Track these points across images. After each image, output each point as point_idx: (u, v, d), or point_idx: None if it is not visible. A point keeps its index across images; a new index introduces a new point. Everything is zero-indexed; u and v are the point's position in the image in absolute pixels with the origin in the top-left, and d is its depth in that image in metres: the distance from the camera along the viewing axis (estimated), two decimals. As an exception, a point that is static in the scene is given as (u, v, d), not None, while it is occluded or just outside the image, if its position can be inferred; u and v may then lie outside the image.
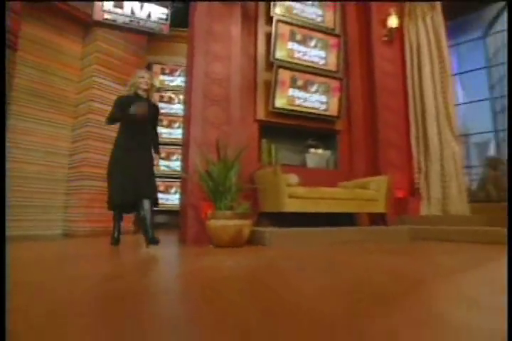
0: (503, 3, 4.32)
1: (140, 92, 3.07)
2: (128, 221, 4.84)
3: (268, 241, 3.12)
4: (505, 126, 4.30)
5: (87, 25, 4.69)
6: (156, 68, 6.44)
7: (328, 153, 4.33)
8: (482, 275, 1.73)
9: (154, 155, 3.07)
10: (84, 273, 1.75)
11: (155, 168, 3.05)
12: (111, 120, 3.03)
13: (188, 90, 3.45)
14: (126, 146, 2.95)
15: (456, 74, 4.55)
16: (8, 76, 3.30)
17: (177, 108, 6.39)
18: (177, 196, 5.74)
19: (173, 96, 6.49)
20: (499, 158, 4.34)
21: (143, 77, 3.08)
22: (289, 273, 1.76)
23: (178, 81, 6.48)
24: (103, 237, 4.08)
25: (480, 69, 4.57)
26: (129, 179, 2.87)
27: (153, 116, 3.11)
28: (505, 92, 4.27)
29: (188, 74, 3.64)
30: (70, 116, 4.64)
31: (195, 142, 3.31)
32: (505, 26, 4.11)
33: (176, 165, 5.99)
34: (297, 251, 2.69)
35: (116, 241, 3.11)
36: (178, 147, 5.60)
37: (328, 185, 3.88)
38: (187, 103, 3.60)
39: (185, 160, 3.43)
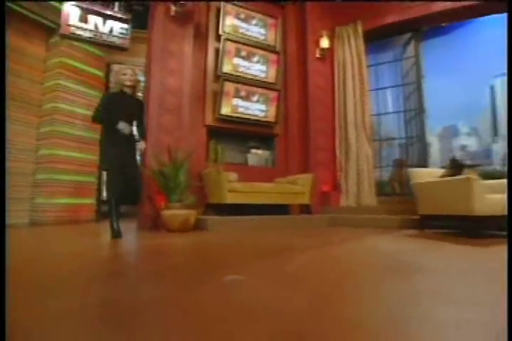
0: (410, 33, 5.30)
1: (125, 89, 3.16)
2: (90, 210, 5.46)
3: (210, 227, 3.92)
4: (412, 133, 5.34)
5: (50, 30, 5.17)
6: (115, 68, 6.94)
7: (267, 153, 5.18)
8: (345, 247, 2.64)
9: (142, 141, 3.29)
10: (70, 249, 2.48)
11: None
12: (97, 119, 3.12)
13: (146, 101, 4.12)
14: (116, 143, 3.05)
15: (373, 90, 5.53)
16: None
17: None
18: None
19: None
20: (403, 159, 5.40)
21: (125, 74, 3.16)
22: (219, 246, 2.59)
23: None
24: (67, 225, 4.72)
25: (394, 86, 5.57)
26: (127, 176, 3.05)
27: (139, 111, 3.30)
28: (413, 106, 5.29)
29: (146, 86, 4.30)
30: (36, 116, 5.12)
31: (151, 146, 4.01)
32: (413, 56, 5.05)
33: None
34: (232, 235, 3.52)
35: (117, 234, 3.01)
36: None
37: (266, 180, 4.74)
38: (145, 112, 4.27)
39: (142, 161, 4.12)
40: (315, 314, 1.00)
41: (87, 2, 4.47)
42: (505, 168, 4.88)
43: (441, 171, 3.81)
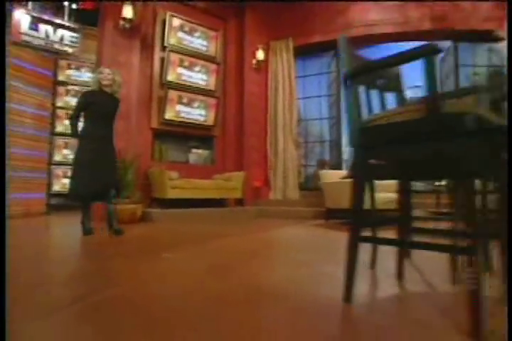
0: (333, 51, 6.27)
1: (104, 88, 3.33)
2: (40, 203, 5.93)
3: (155, 218, 4.67)
4: (333, 137, 6.38)
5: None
6: (62, 63, 7.22)
7: (206, 152, 5.96)
8: (260, 233, 3.55)
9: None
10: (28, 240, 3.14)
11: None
12: (74, 118, 3.26)
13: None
14: (92, 138, 3.20)
15: (305, 98, 6.50)
16: None
17: (84, 102, 7.32)
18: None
19: (80, 90, 7.38)
20: (325, 159, 6.46)
21: (101, 73, 3.33)
22: (161, 234, 3.38)
23: (85, 77, 7.36)
24: (19, 219, 5.21)
25: (320, 96, 6.55)
26: (95, 171, 3.15)
27: (114, 109, 3.42)
28: (335, 114, 6.31)
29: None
30: (-16, 114, 5.44)
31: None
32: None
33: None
34: (173, 225, 4.30)
35: (88, 231, 3.25)
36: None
37: (205, 177, 5.53)
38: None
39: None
40: (213, 274, 1.84)
41: (37, 10, 4.87)
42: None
43: (345, 172, 4.86)
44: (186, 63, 5.65)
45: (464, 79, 6.15)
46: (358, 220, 1.38)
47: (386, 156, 1.39)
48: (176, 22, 5.60)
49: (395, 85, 1.78)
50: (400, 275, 1.68)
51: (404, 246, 1.75)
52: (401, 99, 1.74)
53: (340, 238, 1.76)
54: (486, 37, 5.72)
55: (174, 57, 5.51)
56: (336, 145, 6.25)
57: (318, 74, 6.45)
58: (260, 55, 6.15)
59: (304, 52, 6.34)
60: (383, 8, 5.85)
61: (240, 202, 5.65)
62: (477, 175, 1.40)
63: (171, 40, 5.55)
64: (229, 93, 6.12)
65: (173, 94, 5.44)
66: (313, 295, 1.45)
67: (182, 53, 5.61)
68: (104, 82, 3.31)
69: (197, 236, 3.27)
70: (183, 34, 5.69)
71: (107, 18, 4.95)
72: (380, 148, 1.34)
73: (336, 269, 1.64)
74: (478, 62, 6.10)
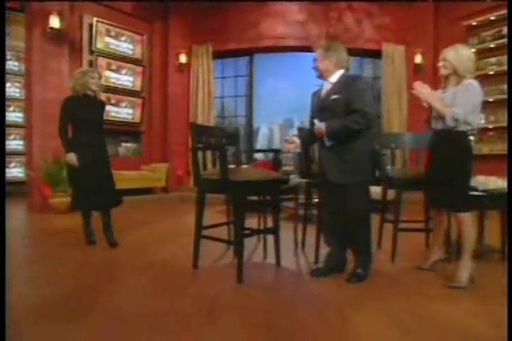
0: (248, 57, 7.40)
1: (89, 92, 3.17)
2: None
3: (88, 206, 5.70)
4: (247, 129, 7.66)
5: None
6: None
7: (134, 145, 6.98)
8: (174, 218, 4.81)
9: None
10: None
11: None
12: (63, 129, 3.14)
13: (28, 111, 5.45)
14: (86, 147, 3.11)
15: (223, 97, 7.65)
16: None
17: (10, 91, 7.76)
18: (16, 169, 7.58)
19: (7, 79, 7.80)
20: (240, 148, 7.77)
21: (93, 78, 3.15)
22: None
23: (10, 65, 7.75)
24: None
25: (239, 96, 7.71)
26: (96, 182, 3.17)
27: (102, 113, 3.39)
28: (248, 113, 7.55)
29: (28, 99, 5.60)
30: None
31: (38, 149, 5.46)
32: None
33: (15, 143, 7.66)
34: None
35: (92, 241, 3.31)
36: (15, 128, 7.39)
37: (134, 168, 6.59)
38: (28, 120, 5.62)
39: (28, 159, 5.55)
40: (127, 252, 3.06)
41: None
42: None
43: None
44: (114, 66, 6.47)
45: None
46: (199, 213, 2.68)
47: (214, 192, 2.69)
48: (103, 27, 6.33)
49: (233, 142, 3.06)
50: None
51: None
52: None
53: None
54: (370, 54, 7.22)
55: (102, 61, 6.31)
56: (247, 138, 7.58)
57: (235, 77, 7.60)
58: (183, 58, 7.10)
59: (223, 55, 7.40)
60: (289, 24, 7.03)
61: (165, 189, 6.83)
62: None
63: (99, 44, 6.30)
64: (154, 93, 7.07)
65: (102, 96, 6.27)
66: (177, 264, 2.75)
67: (109, 57, 6.41)
68: (94, 87, 3.16)
69: (122, 223, 4.43)
70: (110, 39, 6.45)
71: (34, 26, 5.58)
72: (208, 190, 2.63)
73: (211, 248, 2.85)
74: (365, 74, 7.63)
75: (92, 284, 2.32)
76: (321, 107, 2.35)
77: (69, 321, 1.74)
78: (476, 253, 2.56)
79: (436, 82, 7.23)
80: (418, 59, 7.11)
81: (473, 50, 5.85)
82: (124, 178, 6.17)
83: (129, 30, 6.67)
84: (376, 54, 7.20)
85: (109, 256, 3.08)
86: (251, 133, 7.59)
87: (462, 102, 2.14)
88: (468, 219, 2.20)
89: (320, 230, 2.66)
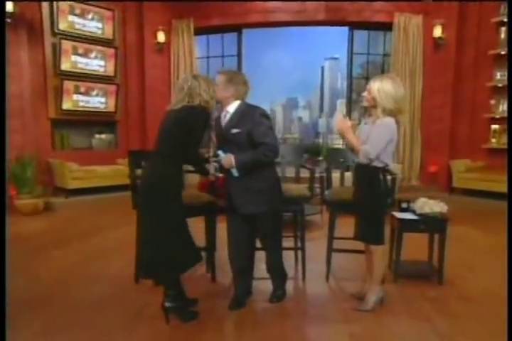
0: (237, 32, 6.85)
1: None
2: None
3: (58, 208, 5.75)
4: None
5: None
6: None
7: (110, 136, 6.85)
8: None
9: None
10: None
11: None
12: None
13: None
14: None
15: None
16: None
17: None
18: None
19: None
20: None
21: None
22: (54, 226, 4.55)
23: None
24: None
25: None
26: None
27: None
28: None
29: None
30: None
31: None
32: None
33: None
34: (74, 214, 5.40)
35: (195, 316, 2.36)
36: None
37: (110, 162, 6.51)
38: None
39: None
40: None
41: None
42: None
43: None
44: (81, 50, 6.17)
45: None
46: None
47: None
48: (65, 4, 5.95)
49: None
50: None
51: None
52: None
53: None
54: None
55: (67, 45, 6.01)
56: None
57: (222, 57, 7.16)
58: (161, 36, 6.69)
59: (207, 32, 6.93)
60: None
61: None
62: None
63: (62, 25, 5.97)
64: (130, 78, 6.79)
65: (68, 84, 6.08)
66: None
67: (75, 39, 6.10)
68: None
69: (85, 228, 4.53)
70: (75, 17, 6.09)
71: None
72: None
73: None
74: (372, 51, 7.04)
75: (41, 296, 2.68)
76: (224, 139, 2.45)
77: (11, 327, 2.03)
78: (424, 274, 2.97)
79: (458, 61, 6.61)
80: (438, 32, 6.50)
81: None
82: (96, 175, 6.14)
83: (97, 6, 6.26)
84: (386, 27, 6.60)
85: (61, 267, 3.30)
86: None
87: (375, 141, 2.23)
88: (379, 252, 2.40)
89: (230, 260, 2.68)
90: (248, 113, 2.39)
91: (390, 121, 2.24)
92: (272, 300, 2.60)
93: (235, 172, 2.36)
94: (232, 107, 2.44)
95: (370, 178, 2.34)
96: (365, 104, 2.34)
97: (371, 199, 2.35)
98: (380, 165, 2.29)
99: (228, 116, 2.44)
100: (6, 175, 5.10)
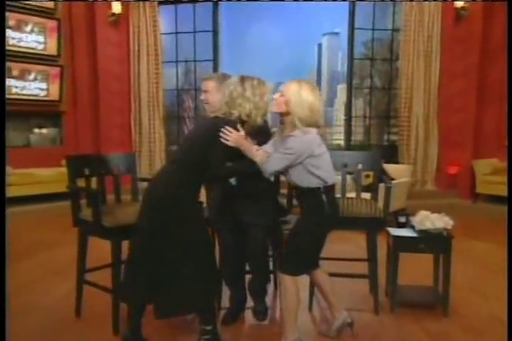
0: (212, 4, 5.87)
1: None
2: None
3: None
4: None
5: None
6: None
7: (53, 131, 5.89)
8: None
9: None
10: None
11: None
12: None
13: None
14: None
15: (173, 62, 6.30)
16: None
17: None
18: None
19: None
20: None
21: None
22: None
23: None
24: None
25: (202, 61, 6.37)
26: None
27: None
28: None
29: None
30: None
31: None
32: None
33: None
34: (9, 226, 4.44)
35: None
36: None
37: (54, 162, 5.53)
38: None
39: None
40: None
41: None
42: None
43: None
44: (12, 21, 5.19)
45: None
46: None
47: None
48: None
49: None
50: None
51: None
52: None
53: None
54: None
55: (-9, 15, 5.01)
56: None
57: (194, 32, 6.17)
58: (116, 6, 5.69)
59: (175, 2, 5.98)
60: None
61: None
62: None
63: (-14, -10, 4.97)
64: (78, 58, 5.83)
65: (-5, 65, 5.09)
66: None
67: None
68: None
69: (25, 245, 3.80)
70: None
71: None
72: None
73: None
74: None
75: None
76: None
77: None
78: (427, 303, 2.63)
79: (485, 37, 5.74)
80: (460, 2, 5.62)
81: None
82: (35, 181, 5.20)
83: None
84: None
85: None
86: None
87: (276, 160, 1.96)
88: (287, 282, 2.12)
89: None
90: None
91: (311, 133, 1.96)
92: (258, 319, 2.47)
93: (232, 181, 2.35)
94: (220, 113, 2.12)
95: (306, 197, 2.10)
96: (274, 109, 2.04)
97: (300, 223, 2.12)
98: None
99: None
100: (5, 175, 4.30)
